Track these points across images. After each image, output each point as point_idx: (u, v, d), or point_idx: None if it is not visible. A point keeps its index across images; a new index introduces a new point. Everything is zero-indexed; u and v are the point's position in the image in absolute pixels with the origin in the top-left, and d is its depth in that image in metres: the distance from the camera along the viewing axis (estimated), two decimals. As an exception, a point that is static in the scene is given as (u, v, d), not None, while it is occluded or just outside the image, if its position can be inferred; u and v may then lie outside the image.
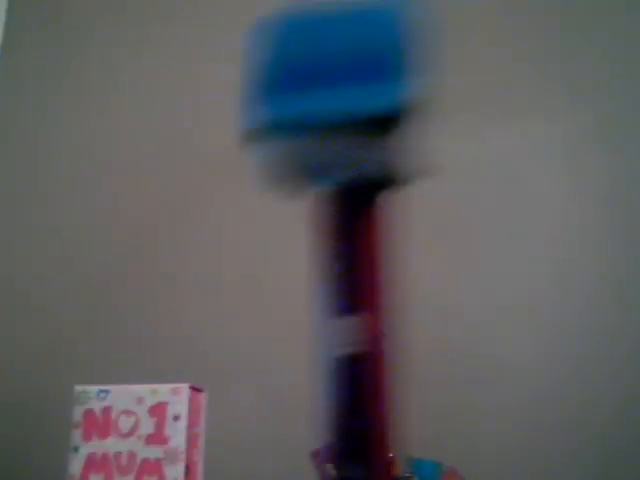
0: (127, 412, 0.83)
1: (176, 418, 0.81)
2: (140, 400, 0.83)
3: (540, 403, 1.08)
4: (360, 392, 0.32)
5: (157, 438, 0.81)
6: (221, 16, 1.33)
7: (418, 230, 1.18)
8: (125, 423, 0.82)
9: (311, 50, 0.28)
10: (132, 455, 0.81)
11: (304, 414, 1.11)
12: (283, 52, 0.28)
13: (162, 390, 0.83)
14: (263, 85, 0.28)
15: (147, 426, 0.81)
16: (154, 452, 0.80)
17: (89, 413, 0.83)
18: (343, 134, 0.27)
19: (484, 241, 1.17)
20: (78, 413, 0.83)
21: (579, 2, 1.26)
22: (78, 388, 0.85)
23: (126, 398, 0.83)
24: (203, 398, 0.89)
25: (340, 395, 0.33)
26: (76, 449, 0.82)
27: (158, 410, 0.82)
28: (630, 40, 1.22)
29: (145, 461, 0.80)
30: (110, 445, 0.81)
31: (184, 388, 0.83)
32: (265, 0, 1.35)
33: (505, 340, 1.12)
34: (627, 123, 1.19)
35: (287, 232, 1.21)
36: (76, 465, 0.81)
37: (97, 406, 0.83)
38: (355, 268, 0.31)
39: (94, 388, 0.84)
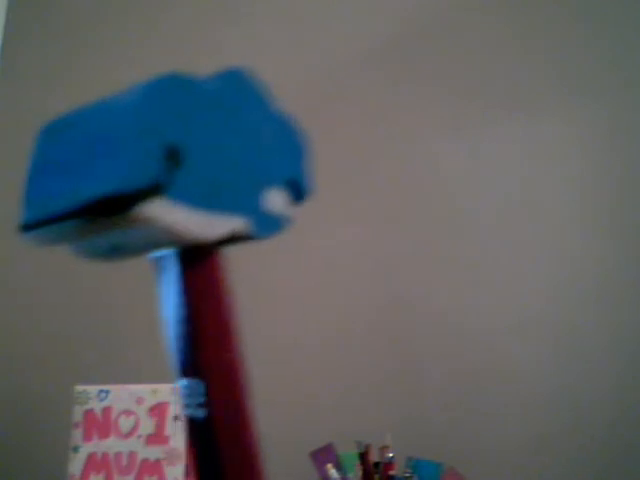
0: (127, 412, 0.83)
1: (176, 418, 0.82)
2: (140, 400, 0.83)
3: (541, 406, 1.09)
4: (213, 454, 0.31)
5: (157, 438, 0.81)
6: (221, 17, 1.33)
7: (425, 242, 1.19)
8: (125, 423, 0.82)
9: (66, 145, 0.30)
10: (132, 455, 0.81)
11: (304, 414, 1.12)
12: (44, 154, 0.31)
13: (162, 390, 0.83)
14: (29, 186, 0.32)
15: (147, 426, 0.81)
16: (154, 452, 0.80)
17: (89, 413, 0.83)
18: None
19: (486, 251, 1.17)
20: (78, 413, 0.83)
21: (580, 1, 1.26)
22: (78, 388, 0.85)
23: (126, 398, 0.83)
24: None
25: (198, 457, 0.32)
26: (76, 449, 0.82)
27: (158, 410, 0.82)
28: (631, 39, 1.22)
29: (145, 461, 0.80)
30: (110, 445, 0.81)
31: (184, 388, 0.83)
32: (263, 0, 1.35)
33: (507, 348, 1.12)
34: (628, 123, 1.19)
35: (288, 231, 1.21)
36: (76, 465, 0.81)
37: (97, 406, 0.83)
38: (196, 328, 0.31)
39: (94, 388, 0.84)
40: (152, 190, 0.27)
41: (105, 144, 0.28)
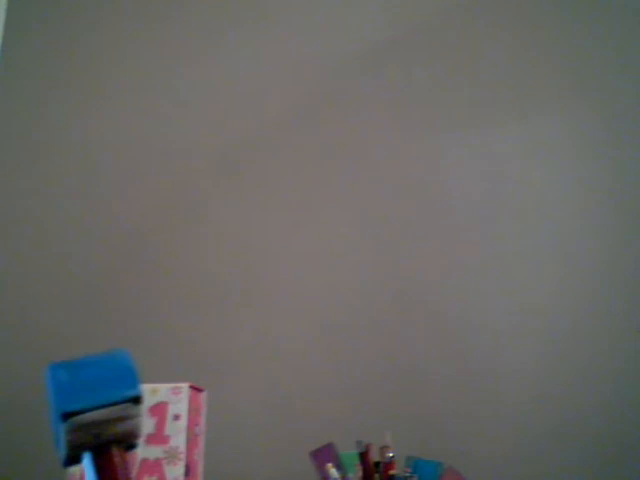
0: (127, 412, 0.82)
1: (176, 418, 0.81)
2: (140, 400, 0.82)
3: (541, 407, 1.09)
4: None
5: (157, 438, 0.81)
6: (221, 17, 1.33)
7: (426, 241, 1.19)
8: (125, 423, 0.82)
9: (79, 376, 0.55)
10: (132, 455, 0.80)
11: (304, 414, 1.12)
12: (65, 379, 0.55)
13: (162, 390, 0.83)
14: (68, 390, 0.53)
15: (147, 426, 0.81)
16: (154, 452, 0.80)
17: (89, 413, 0.83)
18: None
19: (487, 250, 1.17)
20: (78, 413, 0.83)
21: (581, 2, 1.26)
22: (78, 388, 0.84)
23: (126, 398, 0.83)
24: (203, 398, 0.89)
25: None
26: (76, 449, 0.82)
27: (158, 410, 0.82)
28: (630, 39, 1.22)
29: (145, 461, 0.80)
30: (110, 445, 0.81)
31: (184, 388, 0.83)
32: (251, 4, 1.36)
33: (508, 348, 1.12)
34: (629, 122, 1.19)
35: (287, 231, 1.21)
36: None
37: (97, 406, 0.83)
38: None
39: (94, 388, 0.84)
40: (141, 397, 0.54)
41: (117, 376, 0.55)
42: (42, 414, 1.15)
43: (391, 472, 0.82)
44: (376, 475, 0.83)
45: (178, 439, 0.81)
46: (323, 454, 0.84)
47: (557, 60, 1.23)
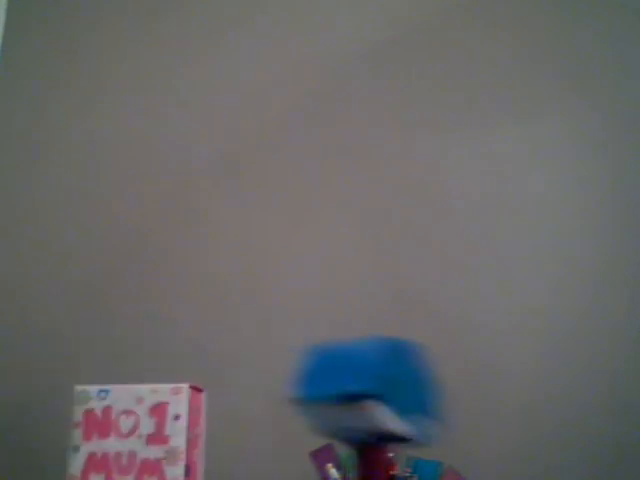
0: (127, 412, 0.83)
1: (176, 418, 0.82)
2: (140, 400, 0.83)
3: (541, 406, 1.09)
4: None
5: (157, 438, 0.81)
6: (221, 18, 1.33)
7: (425, 240, 1.19)
8: (125, 423, 0.82)
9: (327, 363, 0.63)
10: (132, 455, 0.81)
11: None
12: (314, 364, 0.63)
13: (162, 390, 0.83)
14: (303, 377, 0.63)
15: (147, 426, 0.81)
16: (154, 452, 0.80)
17: (89, 413, 0.83)
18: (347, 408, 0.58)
19: (487, 250, 1.17)
20: (78, 413, 0.83)
21: (580, 2, 1.26)
22: (78, 388, 0.85)
23: (126, 398, 0.83)
24: (203, 398, 0.89)
25: None
26: (76, 449, 0.82)
27: (158, 410, 0.82)
28: (630, 39, 1.22)
29: (145, 461, 0.80)
30: (110, 445, 0.81)
31: (184, 388, 0.83)
32: (252, 4, 1.36)
33: (508, 347, 1.12)
34: (629, 122, 1.19)
35: (287, 231, 1.21)
36: (76, 465, 0.81)
37: (97, 406, 0.83)
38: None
39: (94, 388, 0.84)
40: (373, 395, 0.58)
41: (352, 368, 0.60)
42: (42, 414, 1.15)
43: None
44: (376, 475, 0.82)
45: (178, 439, 0.81)
46: (323, 454, 0.84)
47: (557, 60, 1.23)
